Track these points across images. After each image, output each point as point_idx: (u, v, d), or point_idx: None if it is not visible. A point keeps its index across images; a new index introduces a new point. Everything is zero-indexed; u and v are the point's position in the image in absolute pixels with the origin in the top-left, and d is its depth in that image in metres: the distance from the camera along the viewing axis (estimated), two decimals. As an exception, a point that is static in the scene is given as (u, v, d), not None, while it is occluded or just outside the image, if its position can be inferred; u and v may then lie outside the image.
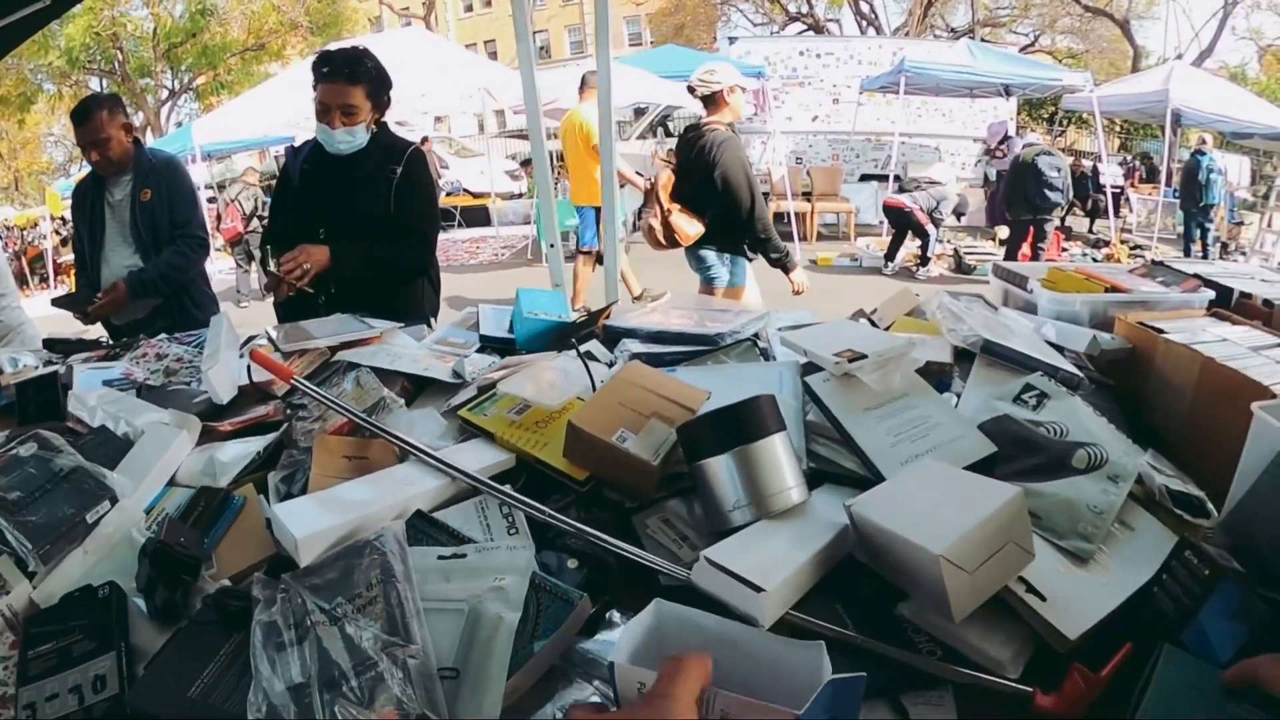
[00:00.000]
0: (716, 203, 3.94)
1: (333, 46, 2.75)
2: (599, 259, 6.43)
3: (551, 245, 3.45)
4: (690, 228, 4.01)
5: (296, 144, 2.74)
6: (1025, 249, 8.82)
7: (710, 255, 4.14)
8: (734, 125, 4.04)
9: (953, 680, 0.83)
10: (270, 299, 2.61)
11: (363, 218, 2.50)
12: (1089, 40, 25.68)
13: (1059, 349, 1.49)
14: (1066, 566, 0.93)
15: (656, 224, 4.08)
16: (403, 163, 2.55)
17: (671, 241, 4.08)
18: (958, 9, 26.67)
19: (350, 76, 2.41)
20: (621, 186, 6.23)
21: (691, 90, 4.03)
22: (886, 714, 0.82)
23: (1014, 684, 0.80)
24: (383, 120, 2.59)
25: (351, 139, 2.48)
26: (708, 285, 4.26)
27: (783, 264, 4.07)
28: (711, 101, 4.00)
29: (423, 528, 1.04)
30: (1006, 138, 11.56)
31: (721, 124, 3.98)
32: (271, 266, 2.39)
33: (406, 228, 2.56)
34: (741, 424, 1.00)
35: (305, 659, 0.80)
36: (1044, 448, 1.11)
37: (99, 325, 3.32)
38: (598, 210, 6.32)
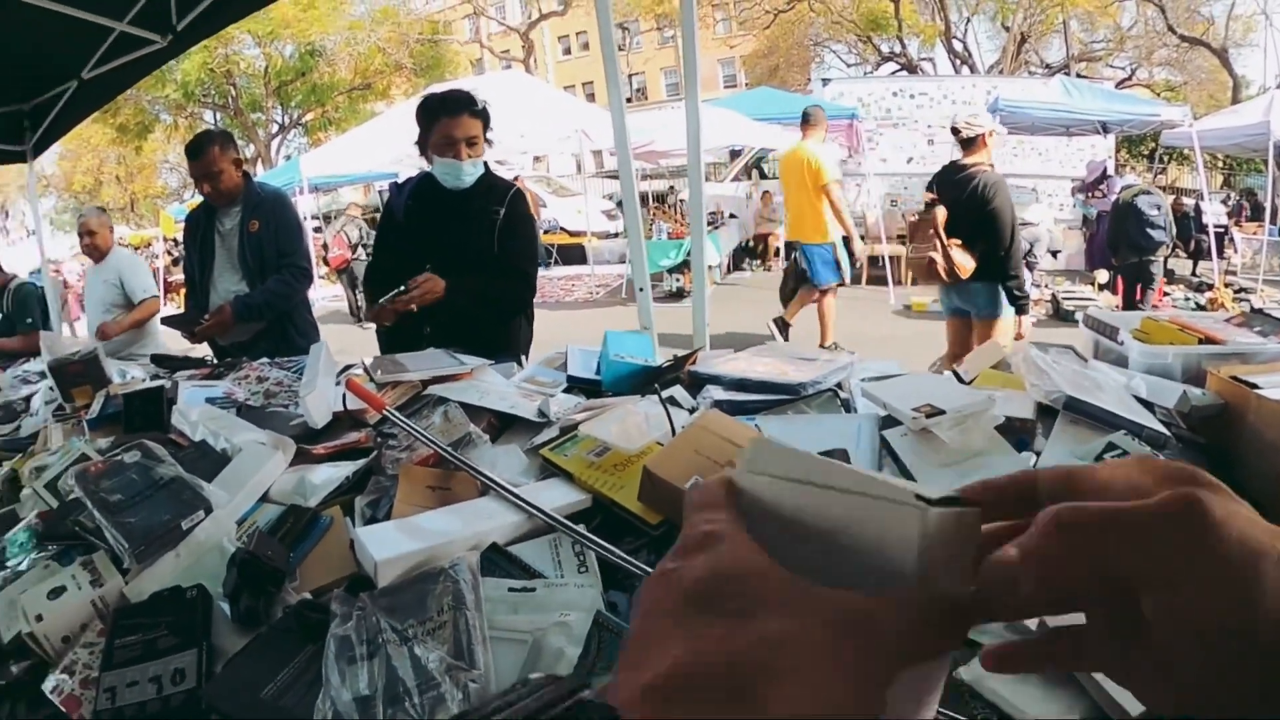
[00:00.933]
0: (988, 239, 4.19)
1: (436, 89, 2.86)
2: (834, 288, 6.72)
3: (642, 289, 3.50)
4: (968, 262, 4.25)
5: (400, 180, 2.83)
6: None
7: (979, 288, 4.37)
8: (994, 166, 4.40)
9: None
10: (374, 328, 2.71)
11: (469, 254, 2.57)
12: (1187, 71, 24.83)
13: (1149, 405, 1.45)
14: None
15: (939, 258, 4.34)
16: (505, 203, 2.62)
17: (952, 276, 4.32)
18: (1052, 45, 26.14)
19: (473, 110, 2.52)
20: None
21: (956, 132, 4.36)
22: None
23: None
24: (484, 159, 2.66)
25: (475, 171, 2.56)
26: (961, 316, 4.56)
27: (1023, 305, 4.27)
28: (973, 143, 4.31)
29: (497, 560, 1.08)
30: (1105, 176, 11.21)
31: (984, 164, 4.29)
32: (384, 299, 2.45)
33: (508, 267, 2.62)
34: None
35: (373, 673, 0.85)
36: None
37: (205, 345, 3.50)
38: (832, 246, 6.57)
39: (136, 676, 0.97)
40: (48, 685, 1.00)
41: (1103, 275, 10.48)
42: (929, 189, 4.64)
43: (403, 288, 2.41)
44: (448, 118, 2.51)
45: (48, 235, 6.68)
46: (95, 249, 4.36)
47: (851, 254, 6.86)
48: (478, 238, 2.59)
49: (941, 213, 4.36)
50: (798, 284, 6.98)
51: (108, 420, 1.95)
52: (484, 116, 2.56)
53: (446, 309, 2.49)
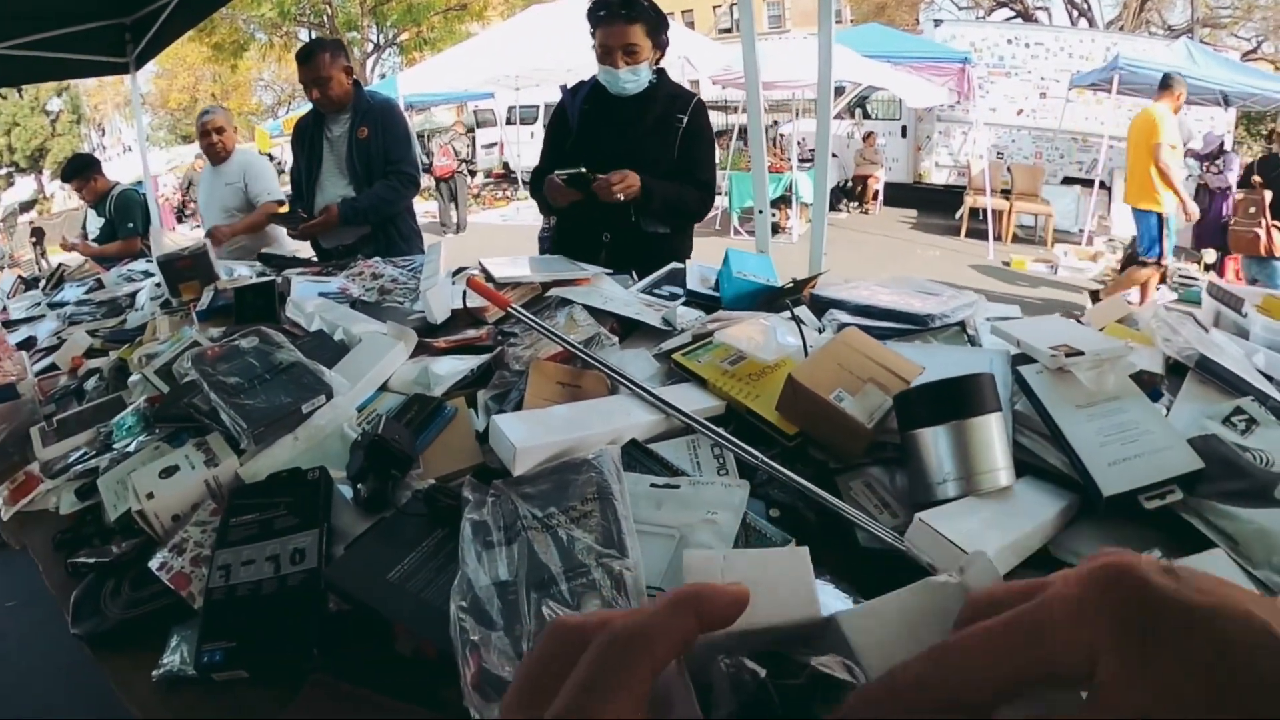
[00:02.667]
0: None
1: None
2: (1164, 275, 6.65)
3: (760, 212, 3.47)
4: None
5: (570, 86, 2.76)
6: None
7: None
8: None
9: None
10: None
11: (648, 162, 2.49)
12: (1318, 50, 23.19)
13: (1269, 378, 1.40)
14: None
15: (1262, 234, 5.25)
16: (689, 112, 2.57)
17: (1269, 252, 5.05)
18: (1176, 6, 24.58)
19: (629, 16, 2.43)
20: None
21: None
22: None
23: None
24: (662, 67, 2.61)
25: (636, 78, 2.49)
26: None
27: None
28: None
29: (638, 456, 1.07)
30: (1223, 152, 10.62)
31: None
32: (570, 173, 2.36)
33: (692, 177, 2.57)
34: (960, 398, 1.00)
35: (514, 559, 0.81)
36: (1248, 473, 1.06)
37: (308, 247, 3.58)
38: (1158, 216, 6.38)
39: (253, 555, 0.96)
40: (154, 562, 1.00)
41: (1210, 255, 10.01)
42: (1256, 173, 5.44)
43: (587, 172, 2.34)
44: (601, 27, 2.46)
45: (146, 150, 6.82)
46: (221, 148, 4.14)
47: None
48: (658, 146, 2.54)
49: (1269, 195, 4.86)
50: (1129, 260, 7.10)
51: (218, 312, 1.98)
52: (647, 19, 2.46)
53: (627, 215, 2.46)
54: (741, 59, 3.39)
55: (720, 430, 1.13)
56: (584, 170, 2.32)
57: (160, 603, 0.98)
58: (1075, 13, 24.26)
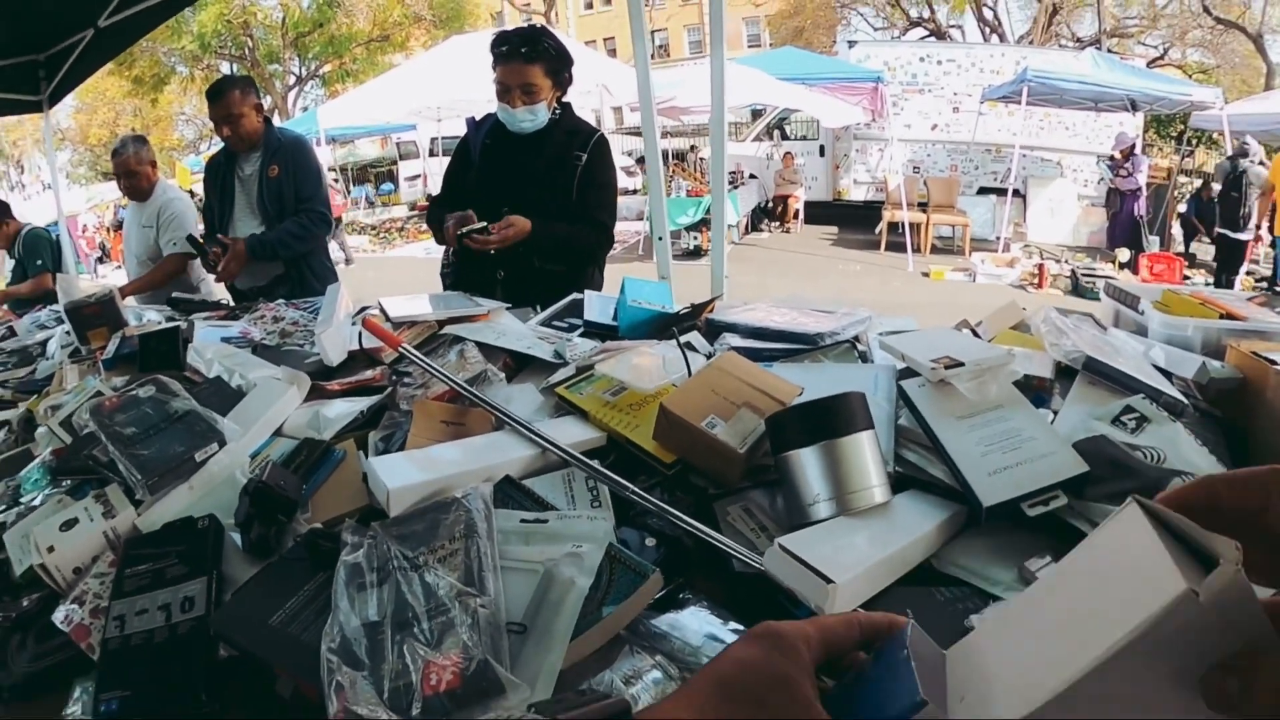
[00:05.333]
0: None
1: (509, 27, 2.79)
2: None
3: (660, 238, 3.49)
4: None
5: (477, 118, 2.73)
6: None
7: None
8: None
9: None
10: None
11: (546, 198, 2.48)
12: (1220, 55, 24.19)
13: (1166, 374, 1.43)
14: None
15: None
16: (588, 149, 2.55)
17: None
18: (1084, 18, 25.56)
19: (528, 56, 2.40)
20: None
21: None
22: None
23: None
24: (566, 101, 2.59)
25: (533, 118, 2.47)
26: None
27: None
28: None
29: (510, 492, 1.07)
30: (1133, 154, 11.05)
31: None
32: (462, 230, 2.35)
33: (588, 216, 2.55)
34: (829, 418, 1.01)
35: (383, 600, 0.84)
36: (1138, 472, 1.08)
37: (223, 289, 3.51)
38: None
39: (146, 604, 0.98)
40: (58, 615, 1.01)
41: (1124, 254, 10.38)
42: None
43: (484, 224, 2.33)
44: (501, 64, 2.44)
45: (64, 188, 6.60)
46: (137, 188, 3.80)
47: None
48: (557, 182, 2.52)
49: None
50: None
51: (123, 360, 1.95)
52: (548, 60, 2.44)
53: (523, 254, 2.44)
54: (663, 86, 3.41)
55: (592, 463, 1.13)
56: (485, 225, 2.32)
57: (63, 655, 0.98)
58: (987, 29, 25.10)
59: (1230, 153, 10.10)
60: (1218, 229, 9.65)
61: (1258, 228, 9.35)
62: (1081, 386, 1.38)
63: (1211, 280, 9.89)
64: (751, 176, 13.81)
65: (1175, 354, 1.50)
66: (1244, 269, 9.81)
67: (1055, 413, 1.34)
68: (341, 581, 0.87)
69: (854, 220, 13.39)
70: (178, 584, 1.00)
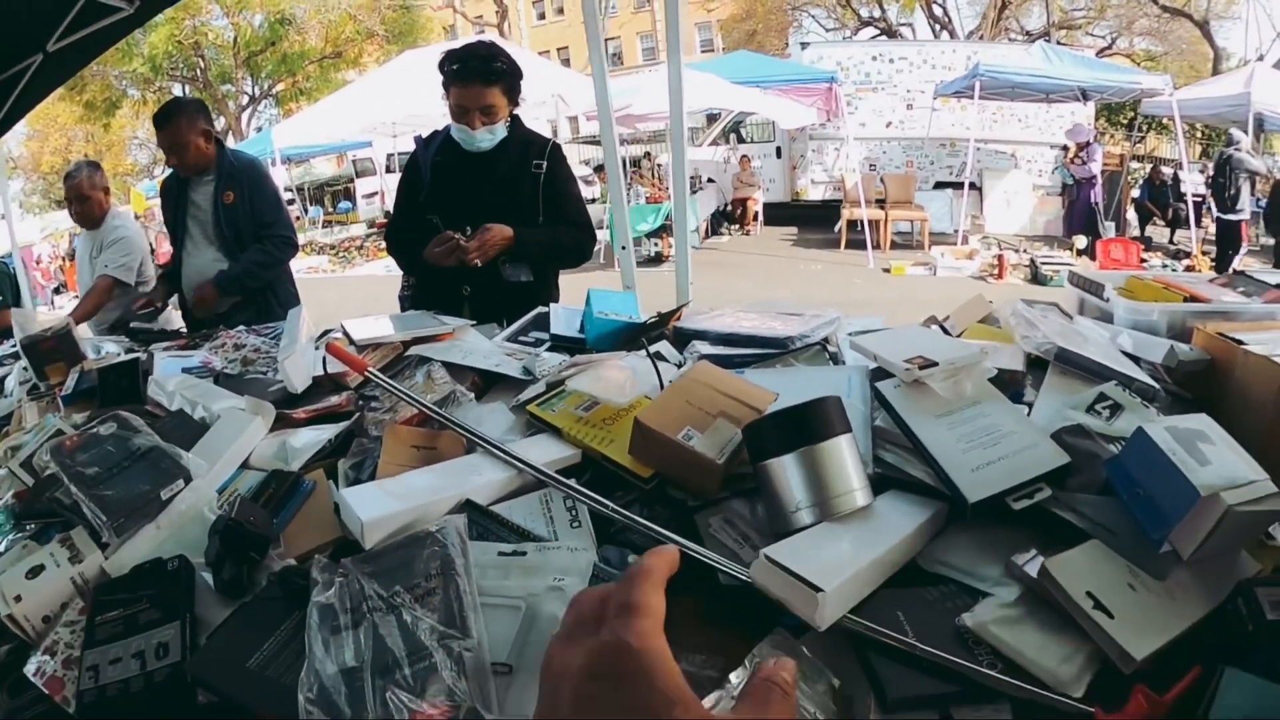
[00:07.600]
0: None
1: (459, 44, 2.74)
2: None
3: (624, 247, 3.48)
4: None
5: (425, 135, 2.70)
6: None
7: None
8: None
9: (1011, 695, 0.80)
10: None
11: (511, 211, 2.46)
12: (1168, 42, 24.76)
13: (1135, 359, 1.44)
14: (1138, 584, 0.90)
15: None
16: (546, 157, 2.53)
17: None
18: (1032, 11, 26.04)
19: (486, 78, 2.39)
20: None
21: None
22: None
23: (1075, 703, 0.77)
24: (516, 113, 2.57)
25: (492, 137, 2.45)
26: None
27: None
28: None
29: (485, 523, 1.05)
30: (1088, 143, 11.24)
31: None
32: (440, 248, 2.34)
33: (566, 220, 2.56)
34: (807, 424, 1.00)
35: (360, 643, 0.81)
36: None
37: (179, 317, 3.46)
38: None
39: (119, 653, 0.94)
40: (29, 668, 0.98)
41: (1081, 241, 10.56)
42: None
43: (464, 234, 2.31)
44: (456, 86, 2.41)
45: (17, 218, 6.44)
46: (89, 215, 3.72)
47: None
48: (519, 193, 2.50)
49: None
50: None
51: (83, 396, 1.92)
52: (504, 78, 2.43)
53: (489, 268, 2.41)
54: (619, 93, 3.42)
55: (570, 482, 1.11)
56: (459, 238, 2.30)
57: (39, 709, 0.96)
58: (937, 26, 25.45)
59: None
60: (1217, 214, 10.09)
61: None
62: (1054, 377, 1.38)
63: (1170, 263, 10.12)
64: (709, 180, 13.91)
65: (1143, 339, 1.51)
66: (1244, 249, 10.07)
67: (1029, 405, 1.34)
68: (314, 624, 0.84)
69: (813, 220, 13.53)
70: (151, 629, 0.97)
